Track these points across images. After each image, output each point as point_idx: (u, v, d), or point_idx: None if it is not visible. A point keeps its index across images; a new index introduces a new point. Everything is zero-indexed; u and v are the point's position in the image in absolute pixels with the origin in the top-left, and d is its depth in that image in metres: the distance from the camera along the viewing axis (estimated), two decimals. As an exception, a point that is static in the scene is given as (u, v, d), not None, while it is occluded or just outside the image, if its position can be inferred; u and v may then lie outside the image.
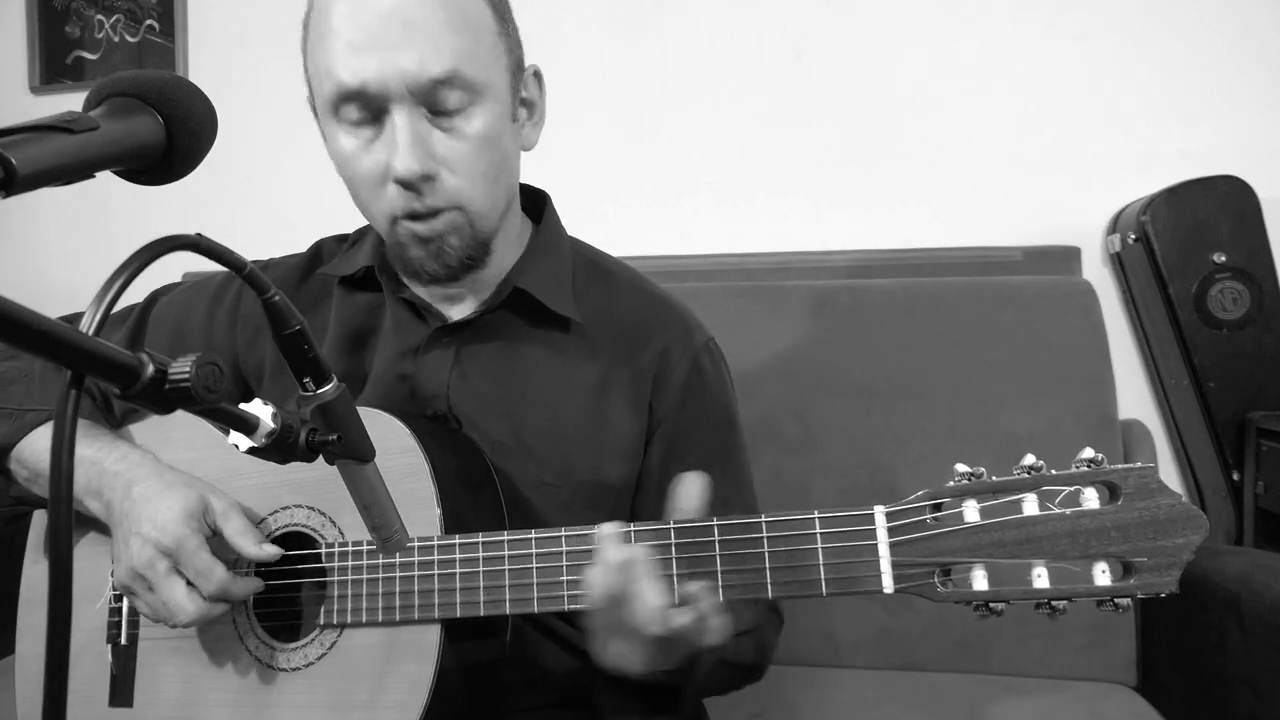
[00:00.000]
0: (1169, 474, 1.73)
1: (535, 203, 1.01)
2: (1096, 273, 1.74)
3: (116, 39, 2.16)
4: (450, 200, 0.84)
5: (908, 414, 1.48)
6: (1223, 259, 1.58)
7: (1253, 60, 1.70)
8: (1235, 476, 1.59)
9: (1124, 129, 1.74)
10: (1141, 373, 1.76)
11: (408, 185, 0.82)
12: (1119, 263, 1.73)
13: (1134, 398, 1.71)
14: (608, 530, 0.75)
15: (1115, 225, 1.73)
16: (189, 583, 0.83)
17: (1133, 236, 1.63)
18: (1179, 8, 1.72)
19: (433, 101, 0.82)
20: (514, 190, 0.93)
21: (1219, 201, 1.59)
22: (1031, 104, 1.77)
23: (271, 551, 0.85)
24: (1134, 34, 1.73)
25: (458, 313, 0.96)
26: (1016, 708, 1.29)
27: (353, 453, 0.64)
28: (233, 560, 0.87)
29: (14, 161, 0.42)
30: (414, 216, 0.84)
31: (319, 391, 0.61)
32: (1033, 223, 1.76)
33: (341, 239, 1.05)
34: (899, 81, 1.82)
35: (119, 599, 0.95)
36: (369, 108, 0.82)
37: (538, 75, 0.94)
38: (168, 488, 0.86)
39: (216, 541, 0.86)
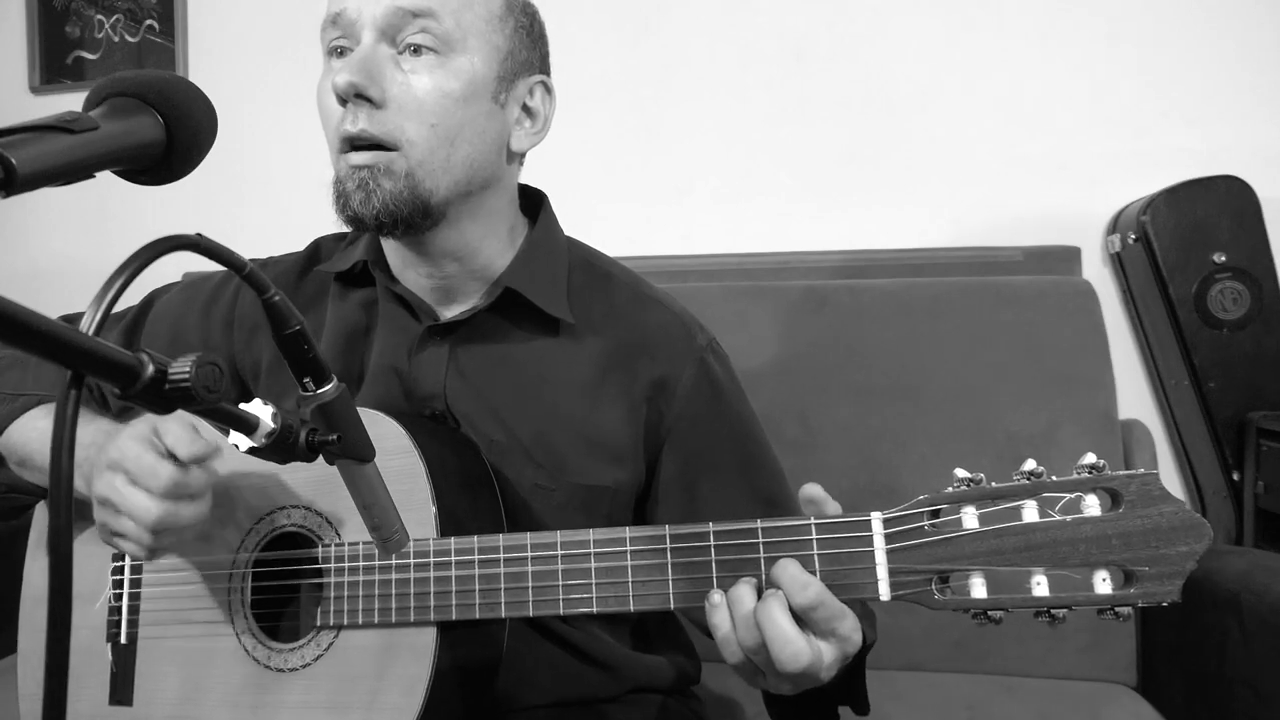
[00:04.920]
0: (1169, 474, 1.73)
1: (532, 203, 1.01)
2: (1096, 273, 1.74)
3: (116, 39, 2.16)
4: (388, 134, 0.83)
5: (908, 414, 1.48)
6: (1223, 259, 1.58)
7: (1253, 60, 1.70)
8: (1235, 476, 1.59)
9: (1124, 129, 1.74)
10: (1141, 373, 1.76)
11: (341, 99, 0.83)
12: (1119, 263, 1.73)
13: (1134, 398, 1.71)
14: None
15: (1115, 225, 1.73)
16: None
17: (1133, 236, 1.63)
18: (1180, 8, 1.72)
19: (398, 32, 0.83)
20: (478, 168, 0.88)
21: (1219, 201, 1.59)
22: (1031, 104, 1.77)
23: (203, 446, 0.78)
24: (1134, 34, 1.73)
25: (450, 311, 0.95)
26: (1016, 708, 1.29)
27: (353, 453, 0.64)
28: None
29: (14, 161, 0.42)
30: (354, 146, 0.84)
31: (319, 391, 0.61)
32: (1033, 223, 1.76)
33: (340, 237, 1.05)
34: (899, 82, 1.82)
35: (118, 598, 0.95)
36: (348, 35, 0.85)
37: (548, 89, 0.94)
38: (117, 430, 0.83)
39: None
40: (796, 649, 0.67)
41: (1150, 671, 1.39)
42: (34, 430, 0.94)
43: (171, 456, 0.81)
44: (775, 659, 0.68)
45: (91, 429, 0.90)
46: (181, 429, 0.81)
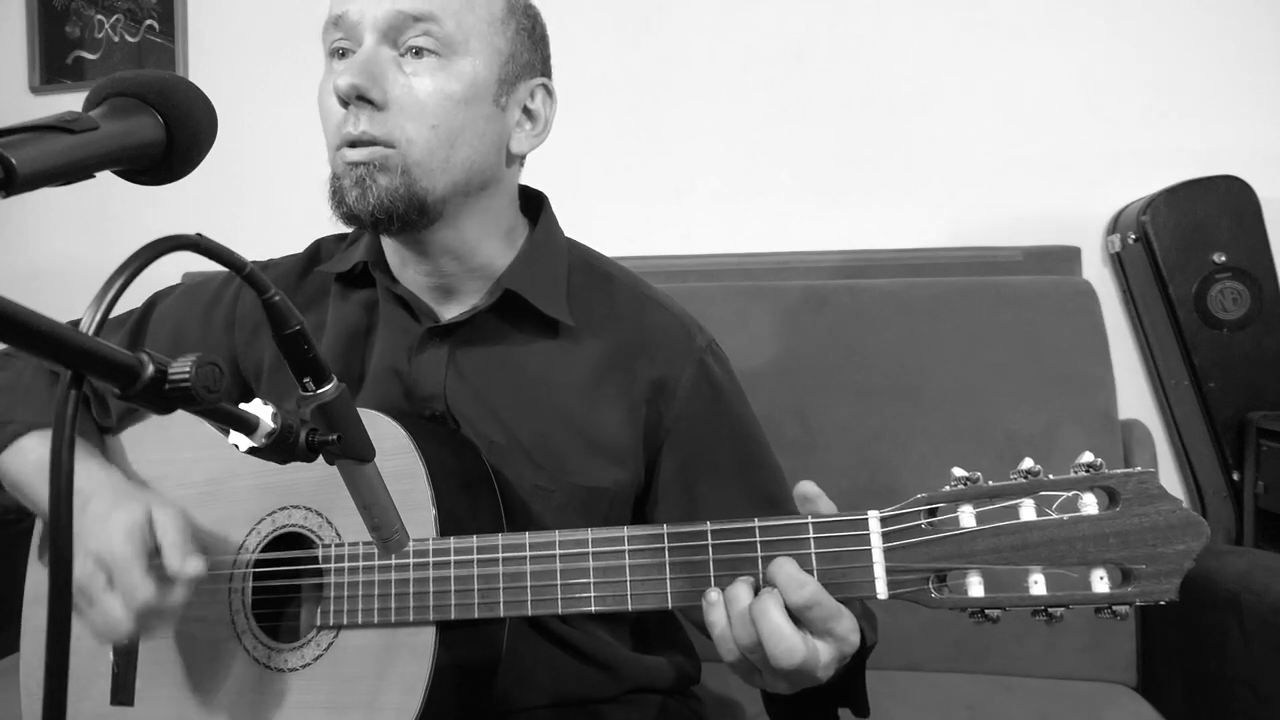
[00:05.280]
0: (1169, 474, 1.73)
1: (533, 204, 1.01)
2: (1096, 273, 1.74)
3: (116, 39, 2.16)
4: (387, 134, 0.83)
5: (908, 414, 1.48)
6: (1223, 259, 1.58)
7: (1253, 60, 1.70)
8: (1235, 476, 1.59)
9: (1124, 129, 1.74)
10: (1141, 373, 1.76)
11: (343, 101, 0.83)
12: (1119, 263, 1.73)
13: (1134, 398, 1.71)
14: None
15: (1115, 225, 1.73)
16: None
17: (1133, 236, 1.63)
18: (1179, 8, 1.72)
19: (400, 34, 0.83)
20: (477, 169, 0.88)
21: (1219, 201, 1.59)
22: (1031, 104, 1.77)
23: (194, 567, 0.82)
24: (1134, 34, 1.73)
25: (449, 311, 0.95)
26: (1016, 708, 1.29)
27: (352, 453, 0.64)
28: (230, 562, 0.87)
29: (14, 161, 0.42)
30: (351, 144, 0.84)
31: (319, 391, 0.61)
32: (1033, 223, 1.76)
33: (340, 238, 1.05)
34: (899, 82, 1.82)
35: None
36: (350, 37, 0.85)
37: (549, 91, 0.94)
38: (116, 503, 0.85)
39: (211, 542, 0.87)
40: (791, 645, 0.68)
41: (1150, 671, 1.39)
42: (27, 464, 0.95)
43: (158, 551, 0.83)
44: (770, 655, 0.68)
45: (83, 472, 0.89)
46: (178, 535, 0.83)
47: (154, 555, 0.84)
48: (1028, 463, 0.69)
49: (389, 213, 0.84)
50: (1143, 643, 1.40)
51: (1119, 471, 0.68)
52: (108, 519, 0.84)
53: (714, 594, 0.73)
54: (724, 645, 0.72)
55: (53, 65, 2.19)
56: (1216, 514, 1.63)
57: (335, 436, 0.62)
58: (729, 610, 0.72)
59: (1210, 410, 1.60)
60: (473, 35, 0.86)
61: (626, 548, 0.77)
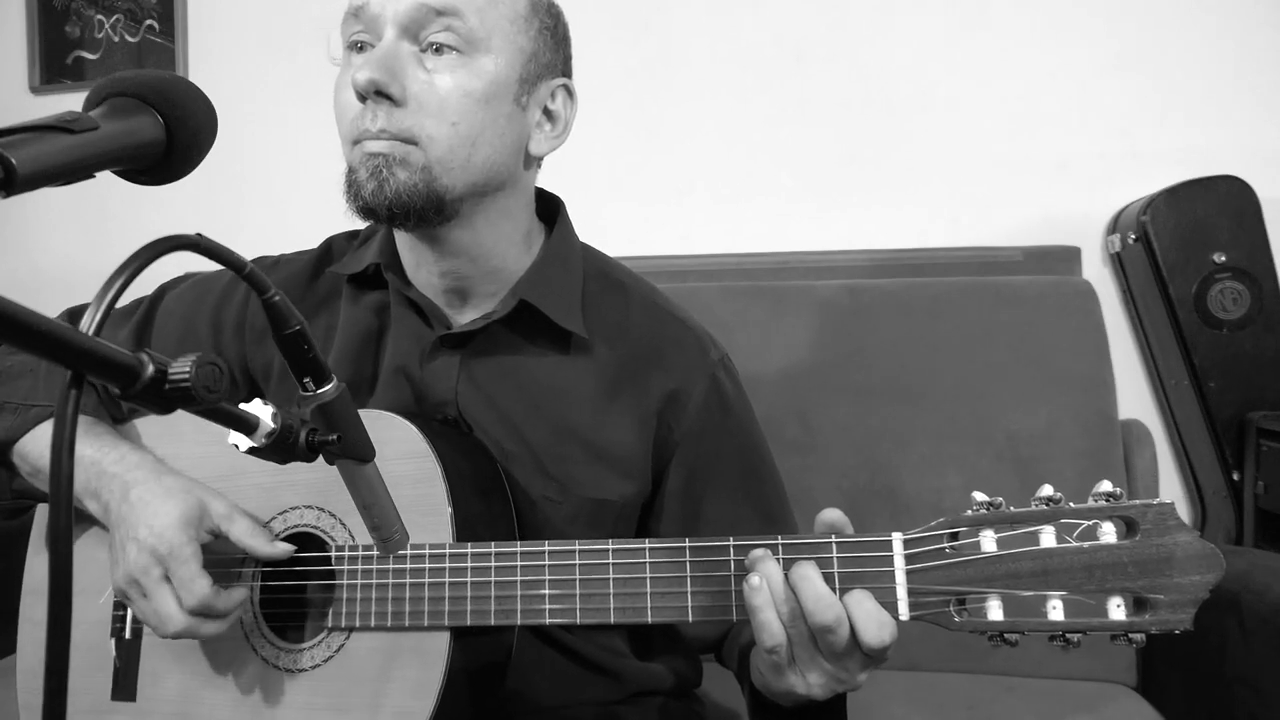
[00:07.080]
0: (1169, 474, 1.73)
1: (549, 208, 1.00)
2: (1096, 273, 1.74)
3: (116, 39, 2.15)
4: (406, 131, 0.81)
5: (908, 414, 1.48)
6: (1223, 259, 1.58)
7: (1253, 60, 1.70)
8: (1235, 476, 1.59)
9: (1124, 129, 1.74)
10: (1141, 373, 1.76)
11: (360, 95, 0.81)
12: (1119, 263, 1.73)
13: (1134, 398, 1.71)
14: (759, 554, 0.73)
15: (1115, 225, 1.73)
16: None
17: (1133, 236, 1.63)
18: (1179, 8, 1.72)
19: (421, 29, 0.82)
20: (496, 170, 0.87)
21: (1219, 201, 1.59)
22: (1031, 104, 1.77)
23: (284, 549, 0.85)
24: (1134, 34, 1.73)
25: (463, 316, 0.94)
26: (1016, 708, 1.29)
27: (352, 453, 0.64)
28: (239, 560, 0.87)
29: (14, 161, 0.42)
30: (370, 140, 0.83)
31: (319, 391, 0.61)
32: (1033, 223, 1.76)
33: (352, 236, 1.04)
34: (899, 82, 1.82)
35: (121, 596, 0.95)
36: (369, 30, 0.83)
37: (570, 92, 0.93)
38: (166, 493, 0.85)
39: (221, 544, 0.86)
40: (830, 600, 0.69)
41: (1150, 671, 1.39)
42: (46, 447, 0.94)
43: (218, 538, 0.84)
44: (809, 613, 0.69)
45: (114, 455, 0.90)
46: (248, 522, 0.85)
47: (210, 546, 0.84)
48: (1048, 489, 0.70)
49: (406, 207, 0.82)
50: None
51: (1138, 502, 0.68)
52: (156, 508, 0.84)
53: (755, 578, 0.72)
54: (768, 628, 0.71)
55: (53, 65, 2.18)
56: (1216, 514, 1.63)
57: (335, 436, 0.61)
58: (770, 585, 0.71)
59: (1210, 410, 1.60)
60: (495, 33, 0.84)
61: (648, 559, 0.77)
